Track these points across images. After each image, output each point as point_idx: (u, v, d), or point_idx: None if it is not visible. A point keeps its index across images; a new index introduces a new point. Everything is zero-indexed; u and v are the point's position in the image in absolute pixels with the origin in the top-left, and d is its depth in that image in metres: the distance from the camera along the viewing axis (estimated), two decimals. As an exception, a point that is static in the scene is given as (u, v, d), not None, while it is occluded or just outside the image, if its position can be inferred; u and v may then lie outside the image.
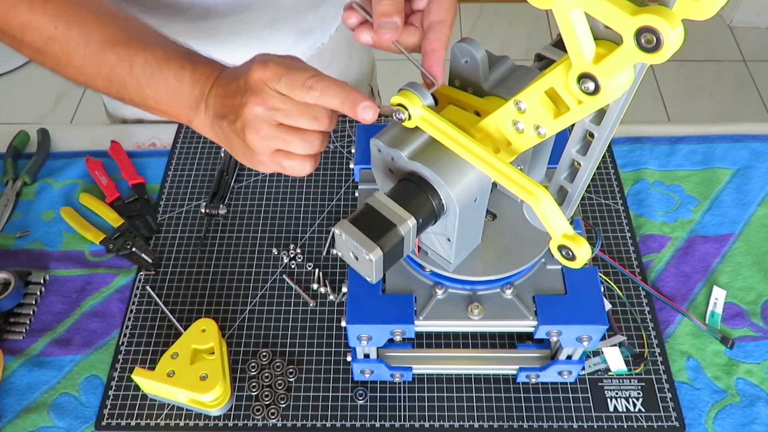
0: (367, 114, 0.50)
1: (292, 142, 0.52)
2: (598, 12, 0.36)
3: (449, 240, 0.53)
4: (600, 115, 0.45)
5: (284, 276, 0.77)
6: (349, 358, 0.64)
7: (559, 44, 0.51)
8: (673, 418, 0.65)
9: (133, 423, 0.66)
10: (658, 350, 0.70)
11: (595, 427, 0.65)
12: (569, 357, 0.64)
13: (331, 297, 0.75)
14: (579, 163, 0.48)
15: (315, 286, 0.76)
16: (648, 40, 0.35)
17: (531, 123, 0.46)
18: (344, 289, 0.59)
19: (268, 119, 0.51)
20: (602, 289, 0.58)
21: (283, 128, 0.51)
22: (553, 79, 0.42)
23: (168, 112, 0.58)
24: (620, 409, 0.66)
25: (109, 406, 0.67)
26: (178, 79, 0.56)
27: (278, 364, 0.70)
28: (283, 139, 0.52)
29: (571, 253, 0.46)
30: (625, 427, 0.65)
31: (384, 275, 0.57)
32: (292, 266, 0.78)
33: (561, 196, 0.52)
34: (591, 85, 0.39)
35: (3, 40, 0.61)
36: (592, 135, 0.46)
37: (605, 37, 0.38)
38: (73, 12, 0.58)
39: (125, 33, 0.58)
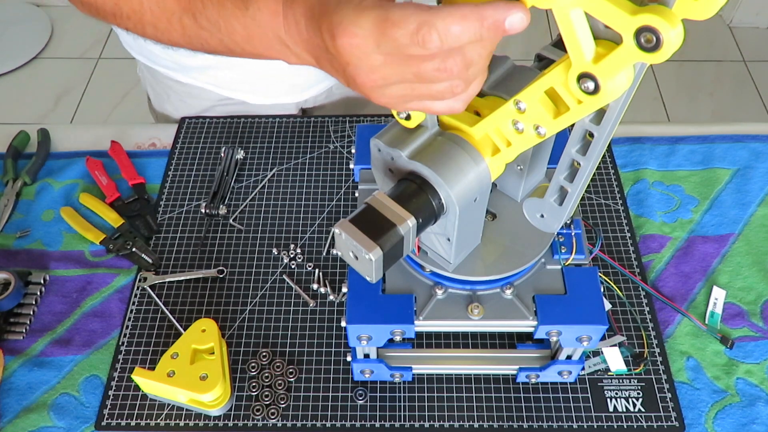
0: (517, 23, 0.37)
1: (427, 100, 0.42)
2: (598, 12, 0.36)
3: (449, 240, 0.53)
4: (600, 114, 0.44)
5: (284, 276, 0.77)
6: (349, 358, 0.64)
7: (559, 44, 0.51)
8: (673, 418, 0.65)
9: (133, 423, 0.66)
10: (657, 350, 0.70)
11: (595, 427, 0.65)
12: (569, 357, 0.64)
13: (331, 297, 0.75)
14: (579, 163, 0.48)
15: (315, 286, 0.76)
16: (648, 40, 0.35)
17: (531, 123, 0.46)
18: (344, 289, 0.59)
19: (385, 89, 0.42)
20: (602, 289, 0.58)
21: (414, 86, 0.41)
22: (552, 79, 0.42)
23: (262, 54, 0.50)
24: (620, 409, 0.66)
25: (109, 406, 0.67)
26: (244, 24, 0.48)
27: (278, 364, 0.70)
28: (418, 97, 0.42)
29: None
30: (625, 427, 0.65)
31: (384, 275, 0.57)
32: (292, 266, 0.78)
33: (561, 196, 0.52)
34: (591, 85, 0.39)
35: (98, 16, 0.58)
36: (591, 135, 0.46)
37: (605, 37, 0.38)
38: None
39: None
